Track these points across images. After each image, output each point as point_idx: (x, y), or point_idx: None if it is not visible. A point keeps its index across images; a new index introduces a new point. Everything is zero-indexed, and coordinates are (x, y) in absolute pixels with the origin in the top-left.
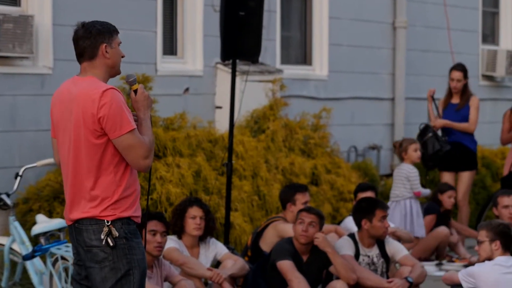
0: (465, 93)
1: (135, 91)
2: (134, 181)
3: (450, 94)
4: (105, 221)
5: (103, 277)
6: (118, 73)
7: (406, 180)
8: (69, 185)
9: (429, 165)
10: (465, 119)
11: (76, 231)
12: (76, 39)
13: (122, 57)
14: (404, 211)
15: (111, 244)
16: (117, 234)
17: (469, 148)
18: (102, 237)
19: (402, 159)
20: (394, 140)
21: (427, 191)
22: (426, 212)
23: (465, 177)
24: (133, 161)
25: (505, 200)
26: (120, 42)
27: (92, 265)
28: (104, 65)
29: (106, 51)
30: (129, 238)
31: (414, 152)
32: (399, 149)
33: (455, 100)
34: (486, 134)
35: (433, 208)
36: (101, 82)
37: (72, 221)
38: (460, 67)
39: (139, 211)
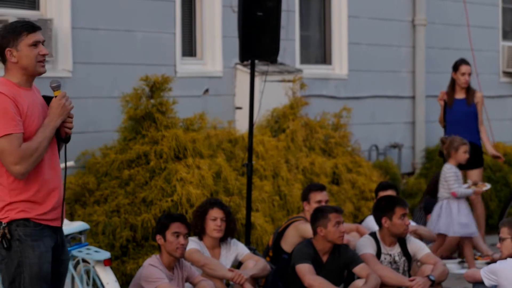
0: (469, 88)
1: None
2: (34, 183)
3: (453, 89)
4: (1, 223)
5: (2, 277)
6: (37, 72)
7: (444, 180)
8: None
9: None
10: (473, 114)
11: None
12: None
13: (43, 55)
14: (439, 211)
15: (5, 245)
16: (9, 236)
17: (478, 146)
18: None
19: (448, 157)
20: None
21: (466, 192)
22: (426, 209)
23: (477, 174)
24: (5, 166)
25: None
26: (37, 41)
27: None
28: (15, 68)
29: (13, 55)
30: (23, 240)
31: (464, 153)
32: (449, 146)
33: (460, 95)
34: (507, 131)
35: (432, 204)
36: (1, 83)
37: None
38: (467, 61)
39: (42, 211)
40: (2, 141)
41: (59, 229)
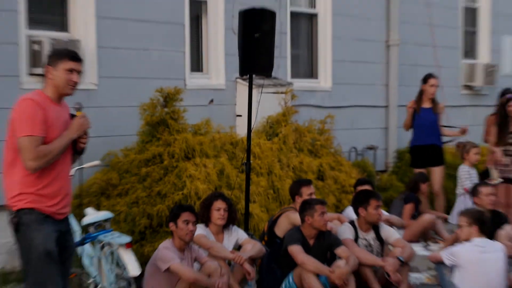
0: (435, 99)
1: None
2: (43, 180)
3: (421, 99)
4: (12, 210)
5: (17, 254)
6: (66, 93)
7: (459, 178)
8: None
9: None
10: (437, 121)
11: None
12: None
13: (74, 82)
14: (460, 205)
15: (14, 228)
16: (17, 221)
17: (440, 147)
18: (10, 223)
19: (462, 159)
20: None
21: None
22: (405, 201)
23: (440, 171)
24: (23, 160)
25: (484, 190)
26: (73, 69)
27: None
28: (50, 84)
29: (50, 72)
30: (29, 225)
31: (474, 155)
32: (462, 149)
33: (427, 105)
34: (468, 134)
35: (411, 197)
36: (35, 93)
37: None
38: (435, 75)
39: (47, 204)
40: (25, 139)
41: (64, 220)
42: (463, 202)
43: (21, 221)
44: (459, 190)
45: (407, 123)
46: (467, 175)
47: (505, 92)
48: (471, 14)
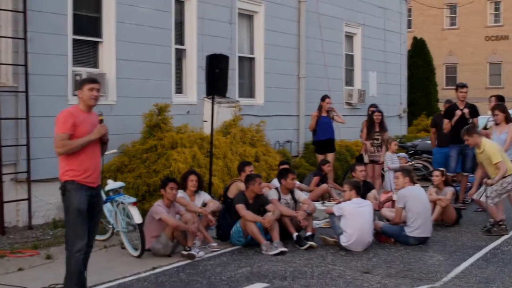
0: (329, 110)
1: (101, 121)
2: (79, 160)
3: (321, 110)
4: (61, 181)
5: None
6: (90, 104)
7: (385, 161)
8: None
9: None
10: (331, 123)
11: None
12: None
13: (95, 96)
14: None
15: (62, 194)
16: (63, 188)
17: (333, 140)
18: (60, 190)
19: (387, 149)
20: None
21: (395, 166)
22: (314, 175)
23: (332, 156)
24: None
25: (359, 168)
26: (92, 88)
27: None
28: (81, 100)
29: (80, 92)
30: (70, 191)
31: (394, 145)
32: (386, 142)
33: (324, 113)
34: (348, 133)
35: (317, 173)
36: (72, 107)
37: None
38: (329, 96)
39: (82, 177)
40: (58, 134)
41: (95, 188)
42: (388, 176)
43: (65, 189)
44: (385, 168)
45: (312, 126)
46: (390, 159)
47: (371, 106)
48: (350, 58)
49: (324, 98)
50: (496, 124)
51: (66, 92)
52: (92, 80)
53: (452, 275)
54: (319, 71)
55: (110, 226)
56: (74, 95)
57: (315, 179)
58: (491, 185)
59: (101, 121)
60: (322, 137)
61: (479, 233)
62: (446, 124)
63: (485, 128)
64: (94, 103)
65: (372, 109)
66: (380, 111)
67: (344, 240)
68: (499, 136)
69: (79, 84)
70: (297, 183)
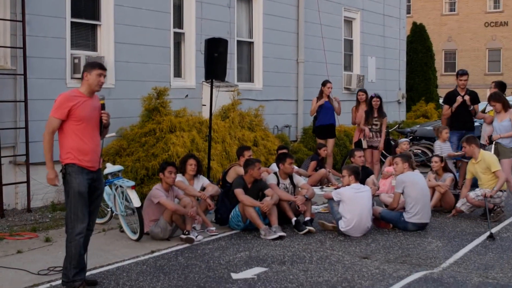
0: (329, 95)
1: (103, 105)
2: (80, 143)
3: (321, 95)
4: (62, 164)
5: (63, 192)
6: (95, 89)
7: (434, 151)
8: None
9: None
10: (332, 109)
11: None
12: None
13: (101, 83)
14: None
15: (63, 176)
16: (64, 171)
17: (334, 125)
18: (60, 172)
19: (437, 137)
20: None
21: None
22: (311, 159)
23: (332, 141)
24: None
25: (358, 153)
26: (100, 74)
27: None
28: (86, 84)
29: (87, 76)
30: (71, 174)
31: (446, 134)
32: (437, 131)
33: (326, 98)
34: (346, 119)
35: (315, 158)
36: (72, 91)
37: None
38: (330, 81)
39: (83, 159)
40: (52, 118)
41: (96, 171)
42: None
43: (66, 172)
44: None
45: (313, 111)
46: (439, 148)
47: (360, 91)
48: (349, 43)
49: (325, 83)
50: (497, 113)
51: (65, 75)
52: (101, 66)
53: (450, 261)
54: (318, 56)
55: (108, 209)
56: (72, 78)
57: (312, 163)
58: (491, 196)
59: (102, 105)
60: (323, 122)
61: (478, 219)
62: (446, 110)
63: (483, 111)
64: (99, 89)
65: (371, 95)
66: (379, 97)
67: (342, 225)
68: (500, 123)
69: (87, 66)
70: (296, 168)
